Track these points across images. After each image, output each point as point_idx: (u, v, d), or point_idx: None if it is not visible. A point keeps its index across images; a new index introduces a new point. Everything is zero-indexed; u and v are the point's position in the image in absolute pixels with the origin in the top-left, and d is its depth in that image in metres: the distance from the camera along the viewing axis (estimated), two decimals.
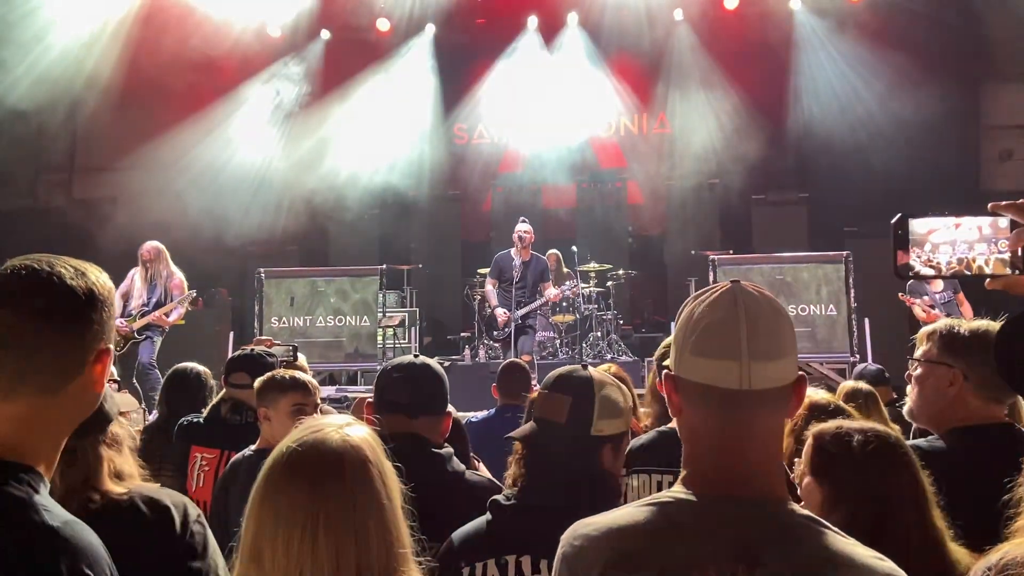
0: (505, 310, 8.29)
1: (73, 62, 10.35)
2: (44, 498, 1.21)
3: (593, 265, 9.70)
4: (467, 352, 9.63)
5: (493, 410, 4.18)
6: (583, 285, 9.19)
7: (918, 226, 1.28)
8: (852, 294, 8.53)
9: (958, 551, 1.68)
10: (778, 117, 11.56)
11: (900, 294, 8.18)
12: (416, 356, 2.23)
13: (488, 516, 1.83)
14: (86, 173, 12.46)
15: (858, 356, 8.22)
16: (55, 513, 1.20)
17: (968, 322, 2.23)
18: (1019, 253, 1.24)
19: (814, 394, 2.67)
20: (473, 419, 4.27)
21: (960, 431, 2.16)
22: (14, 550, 1.14)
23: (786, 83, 11.60)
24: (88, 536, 1.20)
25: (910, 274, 1.28)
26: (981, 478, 2.07)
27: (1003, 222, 1.25)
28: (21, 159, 10.38)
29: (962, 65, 11.18)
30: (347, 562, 1.22)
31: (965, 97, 11.09)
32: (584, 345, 9.08)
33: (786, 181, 11.55)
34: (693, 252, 10.23)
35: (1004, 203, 1.24)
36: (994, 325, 2.19)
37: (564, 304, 8.86)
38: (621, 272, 10.07)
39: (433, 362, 2.23)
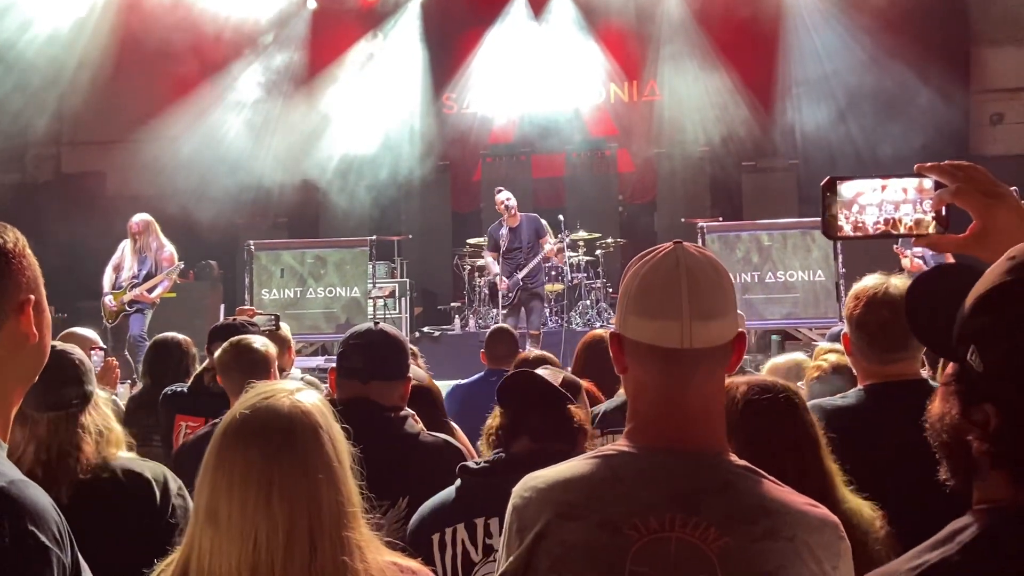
0: (505, 277, 8.30)
1: (62, 38, 10.28)
2: None
3: (582, 234, 9.72)
4: (457, 322, 9.69)
5: (480, 374, 4.25)
6: (571, 254, 9.21)
7: (846, 189, 1.33)
8: (840, 260, 8.58)
9: (854, 500, 1.72)
10: (768, 84, 11.52)
11: (894, 246, 8.15)
12: (376, 323, 2.28)
13: (458, 482, 1.89)
14: (75, 147, 12.42)
15: (845, 321, 8.28)
16: (1, 473, 1.20)
17: (856, 285, 2.26)
18: (942, 213, 1.29)
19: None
20: (460, 383, 4.34)
21: (867, 388, 2.21)
22: None
23: (776, 49, 11.54)
24: (35, 495, 1.21)
25: (838, 235, 1.33)
26: (877, 431, 2.11)
27: (928, 183, 1.30)
28: (9, 133, 10.33)
29: (952, 29, 11.14)
30: (300, 522, 1.27)
31: (955, 61, 11.06)
32: (573, 314, 9.13)
33: (776, 148, 11.55)
34: (683, 220, 10.25)
35: (929, 164, 1.29)
36: (867, 286, 2.22)
37: (553, 273, 8.88)
38: (611, 241, 10.09)
39: (391, 329, 2.28)
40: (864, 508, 1.73)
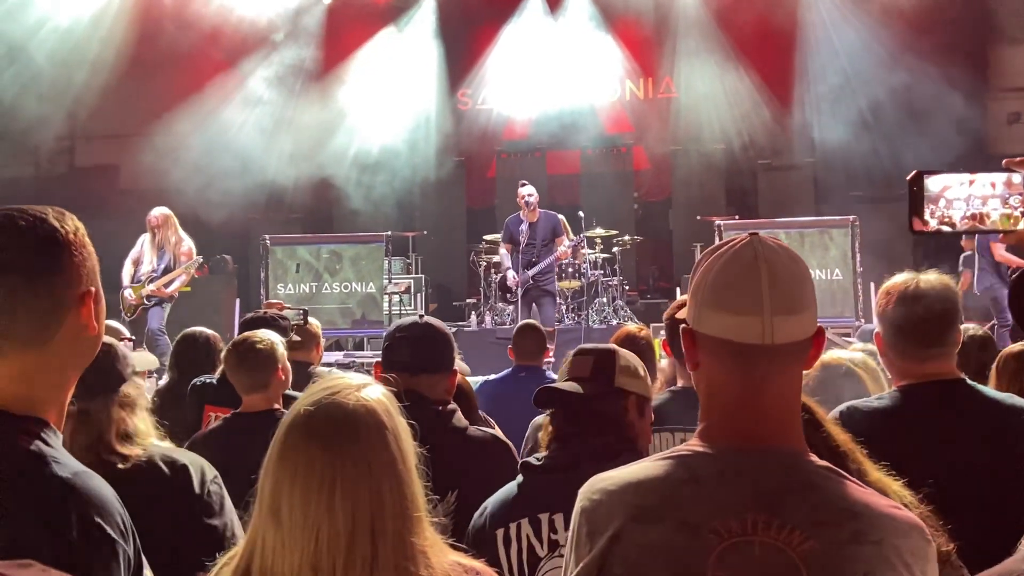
0: (515, 273, 8.26)
1: (77, 33, 10.28)
2: (55, 450, 1.21)
3: (599, 231, 9.68)
4: (473, 318, 9.66)
5: (508, 370, 4.22)
6: (588, 251, 9.18)
7: (933, 183, 1.29)
8: (858, 259, 8.52)
9: (877, 473, 1.66)
10: (785, 82, 11.45)
11: (991, 241, 7.66)
12: (420, 316, 2.28)
13: (520, 478, 1.88)
14: (88, 141, 12.42)
15: (863, 320, 8.24)
16: (65, 464, 1.19)
17: (887, 282, 2.20)
18: None
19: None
20: (488, 379, 4.31)
21: (904, 389, 2.15)
22: (23, 501, 1.14)
23: (793, 47, 11.47)
24: (99, 486, 1.20)
25: (924, 230, 1.29)
26: (915, 432, 2.07)
27: (1017, 178, 1.28)
28: (24, 127, 10.34)
29: (970, 27, 11.05)
30: (363, 524, 1.23)
31: (973, 60, 10.97)
32: (590, 311, 9.10)
33: (792, 146, 11.48)
34: (699, 218, 10.19)
35: (1019, 159, 1.25)
36: (898, 282, 2.15)
37: (570, 270, 8.85)
38: (627, 238, 10.05)
39: (437, 322, 2.27)
40: (891, 483, 1.68)
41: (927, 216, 1.29)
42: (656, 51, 11.94)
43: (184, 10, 10.57)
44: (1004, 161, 1.29)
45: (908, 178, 1.30)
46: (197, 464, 1.95)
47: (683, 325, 1.34)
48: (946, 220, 1.29)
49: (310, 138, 11.43)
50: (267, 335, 2.91)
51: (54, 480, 1.16)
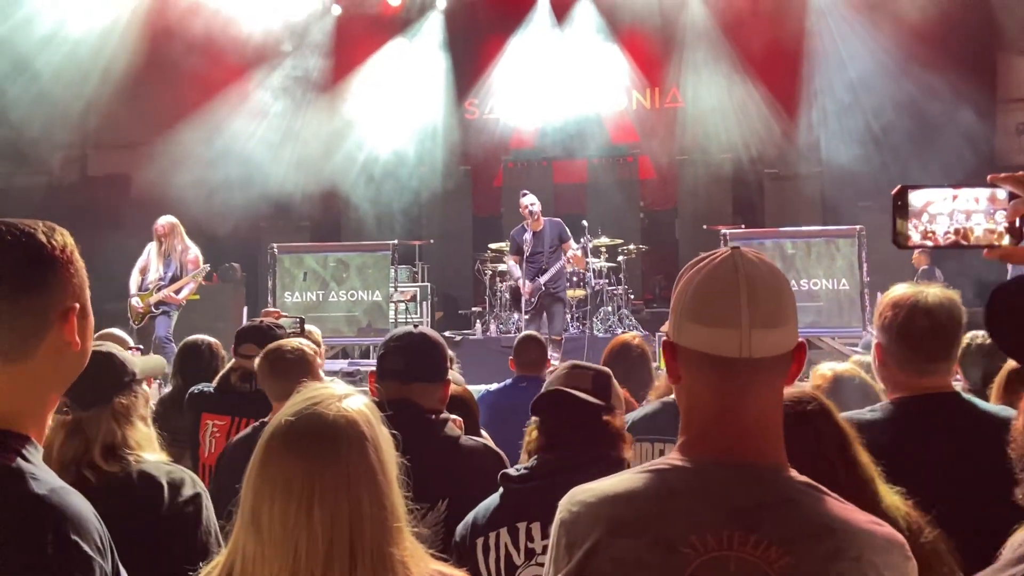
0: (528, 280, 8.24)
1: (89, 43, 10.37)
2: (34, 465, 1.20)
3: (604, 240, 9.68)
4: (478, 326, 9.67)
5: (509, 381, 4.21)
6: (593, 260, 9.17)
7: (916, 197, 1.29)
8: (865, 269, 8.49)
9: (891, 497, 1.66)
10: (792, 91, 11.45)
11: None
12: (415, 326, 2.29)
13: (501, 489, 1.90)
14: (101, 150, 12.51)
15: (869, 330, 8.20)
16: (43, 480, 1.19)
17: (888, 292, 2.19)
18: (1016, 224, 1.25)
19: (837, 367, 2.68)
20: (489, 390, 4.30)
21: (898, 402, 2.15)
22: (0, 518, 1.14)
23: (800, 57, 11.47)
24: (77, 503, 1.20)
25: (908, 244, 1.29)
26: (909, 446, 2.06)
27: (1001, 194, 1.27)
28: (37, 137, 10.42)
29: (977, 38, 11.02)
30: (341, 536, 1.23)
31: (981, 70, 10.93)
32: (594, 320, 9.09)
33: (799, 156, 11.46)
34: (705, 227, 10.18)
35: (1003, 175, 1.25)
36: (907, 294, 2.14)
37: (575, 279, 8.84)
38: (632, 247, 10.05)
39: (431, 332, 2.29)
40: (901, 505, 1.68)
41: (911, 230, 1.29)
42: (663, 61, 11.97)
43: (195, 22, 10.65)
44: (989, 176, 1.28)
45: (893, 192, 1.31)
46: (177, 481, 1.86)
47: (664, 338, 1.35)
48: (929, 235, 1.29)
49: (318, 147, 11.50)
50: (299, 343, 2.93)
51: (31, 497, 1.16)
